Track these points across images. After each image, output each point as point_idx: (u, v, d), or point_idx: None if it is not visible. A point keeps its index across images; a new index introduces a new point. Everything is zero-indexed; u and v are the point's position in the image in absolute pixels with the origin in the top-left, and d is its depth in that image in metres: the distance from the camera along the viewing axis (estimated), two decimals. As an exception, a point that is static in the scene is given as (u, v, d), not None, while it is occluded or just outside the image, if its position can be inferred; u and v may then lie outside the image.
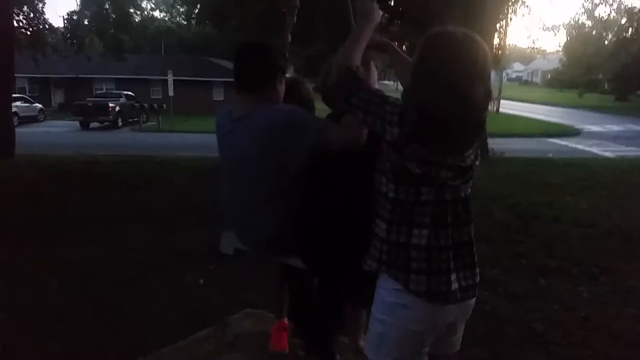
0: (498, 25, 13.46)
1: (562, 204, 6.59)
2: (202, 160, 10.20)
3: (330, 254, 1.89)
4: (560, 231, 5.39)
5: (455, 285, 1.50)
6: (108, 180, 8.34)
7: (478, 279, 1.56)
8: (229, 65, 33.85)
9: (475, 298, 1.57)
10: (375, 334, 1.59)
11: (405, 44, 16.77)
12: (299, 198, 1.92)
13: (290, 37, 2.75)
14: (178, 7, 29.96)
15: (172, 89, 23.18)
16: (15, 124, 13.97)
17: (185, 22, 32.22)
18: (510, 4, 13.34)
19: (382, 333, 1.56)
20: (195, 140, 16.23)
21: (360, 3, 1.78)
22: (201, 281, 3.87)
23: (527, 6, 17.96)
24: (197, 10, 16.61)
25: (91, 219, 5.69)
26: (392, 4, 12.00)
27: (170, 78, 23.05)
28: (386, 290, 1.54)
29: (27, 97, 25.42)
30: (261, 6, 12.07)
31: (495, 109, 28.67)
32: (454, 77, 1.41)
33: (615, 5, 16.94)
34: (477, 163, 1.53)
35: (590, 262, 4.36)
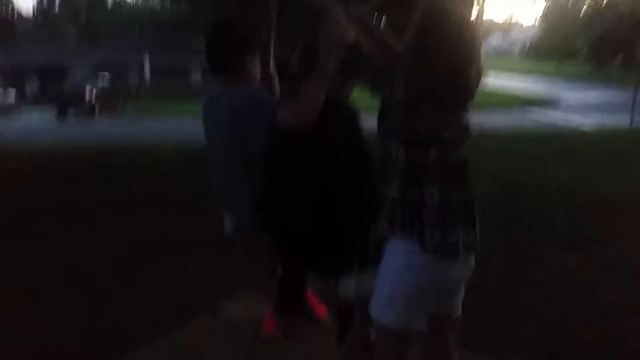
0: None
1: (544, 175, 6.67)
2: (181, 146, 10.07)
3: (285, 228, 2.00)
4: (543, 202, 5.47)
5: (465, 241, 1.62)
6: (92, 171, 8.22)
7: (478, 237, 1.68)
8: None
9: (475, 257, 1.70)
10: (383, 296, 1.66)
11: (384, 16, 16.64)
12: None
13: (275, 15, 2.72)
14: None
15: (149, 73, 22.84)
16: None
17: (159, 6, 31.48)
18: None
19: (391, 294, 1.63)
20: (174, 125, 16.02)
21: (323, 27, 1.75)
22: (191, 269, 3.85)
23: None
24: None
25: (76, 210, 5.62)
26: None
27: (146, 63, 22.70)
28: (398, 253, 1.62)
29: None
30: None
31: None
32: (455, 56, 1.50)
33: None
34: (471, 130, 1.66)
35: (575, 233, 4.44)
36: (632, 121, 13.10)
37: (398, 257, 1.62)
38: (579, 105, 20.15)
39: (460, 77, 1.52)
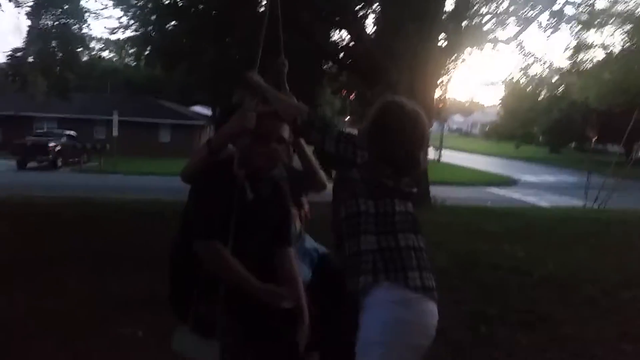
0: (440, 80, 14.11)
1: (500, 252, 6.82)
2: (143, 203, 9.96)
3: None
4: (499, 279, 5.56)
5: (431, 283, 1.81)
6: (43, 223, 7.98)
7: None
8: (178, 107, 33.80)
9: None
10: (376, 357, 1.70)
11: (353, 93, 17.26)
12: None
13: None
14: (127, 48, 29.74)
15: (117, 129, 22.77)
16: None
17: (134, 64, 31.91)
18: (451, 60, 14.04)
19: (382, 354, 1.68)
20: (138, 182, 15.86)
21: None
22: (140, 333, 3.71)
23: (467, 63, 19.07)
24: (147, 52, 16.55)
25: (21, 263, 5.40)
26: (341, 56, 12.40)
27: (115, 118, 22.68)
28: (383, 308, 1.72)
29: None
30: (214, 52, 12.19)
31: (437, 158, 29.66)
32: (403, 145, 1.84)
33: (547, 65, 18.29)
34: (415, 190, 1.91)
35: (528, 310, 4.50)
36: (586, 202, 13.67)
37: (385, 311, 1.71)
38: (536, 186, 20.94)
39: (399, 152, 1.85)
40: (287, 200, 2.21)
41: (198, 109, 36.12)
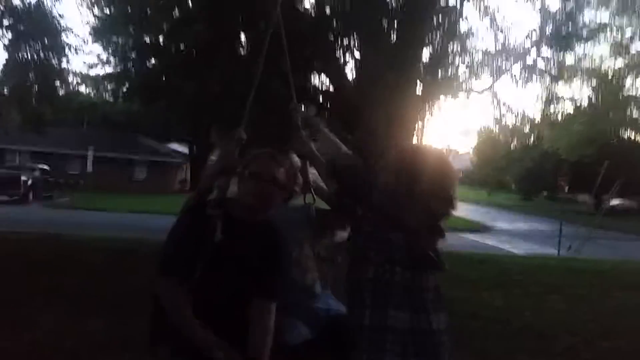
0: (415, 127, 14.35)
1: (478, 300, 6.79)
2: (116, 241, 9.71)
3: None
4: (477, 327, 5.51)
5: None
6: (11, 261, 7.68)
7: None
8: (155, 144, 33.60)
9: None
10: None
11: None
12: None
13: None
14: (106, 84, 29.74)
15: (92, 164, 22.44)
16: None
17: (111, 100, 31.84)
18: (427, 106, 14.34)
19: None
20: (111, 219, 15.52)
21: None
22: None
23: (442, 111, 19.55)
24: (125, 89, 16.53)
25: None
26: (321, 100, 12.56)
27: (90, 153, 22.38)
28: None
29: None
30: (193, 89, 12.23)
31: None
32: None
33: (519, 116, 18.90)
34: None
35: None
36: (559, 250, 13.85)
37: None
38: (510, 233, 21.19)
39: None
40: (278, 248, 2.06)
41: (175, 146, 36.00)
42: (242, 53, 10.96)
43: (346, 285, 1.76)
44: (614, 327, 5.72)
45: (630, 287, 8.43)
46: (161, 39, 12.10)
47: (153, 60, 12.35)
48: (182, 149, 34.63)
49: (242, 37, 10.82)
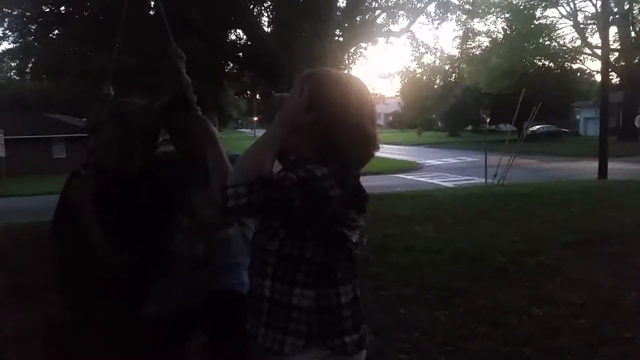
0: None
1: (412, 234, 7.01)
2: (37, 227, 9.19)
3: None
4: (413, 260, 5.70)
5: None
6: None
7: None
8: (71, 119, 31.78)
9: None
10: None
11: (257, 92, 17.11)
12: None
13: None
14: (8, 61, 27.57)
15: (4, 149, 21.03)
16: None
17: (17, 78, 29.65)
18: (349, 54, 14.31)
19: None
20: (30, 203, 14.69)
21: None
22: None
23: (365, 57, 19.60)
24: (30, 65, 15.37)
25: None
26: (242, 55, 12.21)
27: (0, 137, 20.93)
28: None
29: None
30: (102, 59, 11.53)
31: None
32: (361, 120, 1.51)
33: (438, 54, 19.24)
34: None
35: (443, 287, 4.64)
36: (486, 179, 14.50)
37: None
38: (440, 168, 21.98)
39: None
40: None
41: (94, 120, 34.15)
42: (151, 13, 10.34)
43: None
44: (538, 244, 6.08)
45: (551, 205, 8.99)
46: (63, 9, 11.20)
47: (57, 32, 11.46)
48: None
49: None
